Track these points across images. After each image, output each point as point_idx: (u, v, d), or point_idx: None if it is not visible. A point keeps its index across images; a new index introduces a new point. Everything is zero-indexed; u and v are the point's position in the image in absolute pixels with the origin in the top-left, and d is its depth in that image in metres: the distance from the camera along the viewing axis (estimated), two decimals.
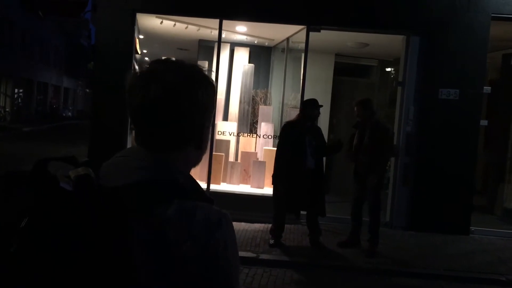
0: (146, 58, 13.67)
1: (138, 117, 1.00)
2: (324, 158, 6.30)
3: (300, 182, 5.68)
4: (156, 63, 1.02)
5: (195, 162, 1.08)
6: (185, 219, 0.91)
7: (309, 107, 5.84)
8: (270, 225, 6.21)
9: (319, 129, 6.04)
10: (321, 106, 5.90)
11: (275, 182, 5.87)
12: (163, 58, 1.05)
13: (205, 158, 7.66)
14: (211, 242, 0.91)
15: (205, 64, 8.76)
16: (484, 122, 7.31)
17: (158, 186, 0.93)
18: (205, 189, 7.29)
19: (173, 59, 1.07)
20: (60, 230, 0.80)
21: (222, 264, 0.92)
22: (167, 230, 0.88)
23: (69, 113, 40.60)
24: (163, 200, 0.90)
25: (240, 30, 8.29)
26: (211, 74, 1.09)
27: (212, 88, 1.05)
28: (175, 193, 0.93)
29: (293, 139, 5.76)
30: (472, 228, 7.08)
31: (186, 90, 0.99)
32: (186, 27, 8.17)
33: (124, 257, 0.82)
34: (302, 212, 6.16)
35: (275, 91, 8.90)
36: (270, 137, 8.17)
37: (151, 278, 0.86)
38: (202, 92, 1.01)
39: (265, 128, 8.22)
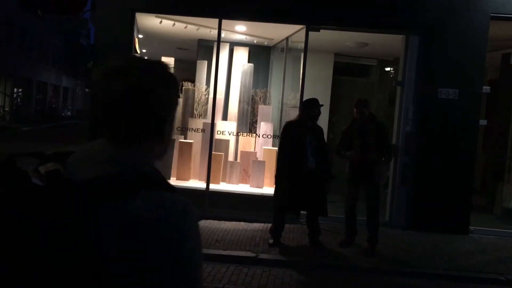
0: (146, 58, 13.67)
1: (101, 111, 1.04)
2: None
3: (301, 182, 5.68)
4: (120, 60, 1.06)
5: (159, 155, 1.12)
6: (153, 209, 0.94)
7: (309, 107, 5.83)
8: (269, 225, 6.22)
9: (320, 129, 6.03)
10: (322, 105, 5.90)
11: (277, 182, 5.87)
12: (127, 55, 1.08)
13: (205, 158, 7.66)
14: (177, 231, 0.95)
15: (204, 64, 8.78)
16: (483, 122, 7.31)
17: (125, 178, 0.96)
18: (204, 189, 7.33)
19: (137, 56, 1.11)
20: (34, 226, 0.85)
21: (186, 253, 0.95)
22: (136, 221, 0.91)
23: (68, 113, 40.56)
24: (130, 191, 0.94)
25: (239, 30, 8.29)
26: (173, 71, 1.13)
27: (174, 84, 1.10)
28: (141, 184, 0.96)
29: (294, 139, 5.76)
30: (471, 227, 7.09)
31: (147, 87, 1.03)
32: (186, 27, 8.17)
33: (96, 249, 0.85)
34: (302, 212, 6.17)
35: (274, 91, 8.90)
36: (269, 136, 8.17)
37: (123, 269, 0.88)
38: (164, 88, 1.06)
39: (265, 127, 8.22)
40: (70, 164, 1.00)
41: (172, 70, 1.12)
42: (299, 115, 5.99)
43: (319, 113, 5.89)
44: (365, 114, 5.88)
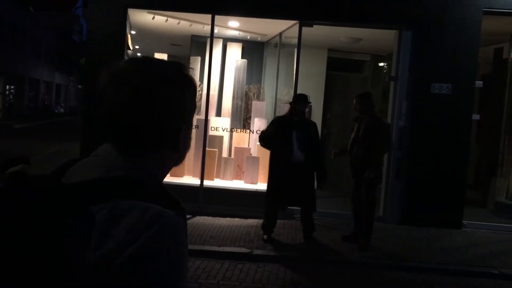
0: (139, 54, 13.60)
1: (108, 117, 0.98)
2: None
3: (286, 176, 5.70)
4: (130, 63, 0.98)
5: (174, 163, 1.05)
6: (111, 221, 0.85)
7: (297, 102, 5.88)
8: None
9: (312, 124, 6.03)
10: (310, 102, 5.95)
11: (268, 176, 5.95)
12: (139, 56, 1.01)
13: (199, 154, 7.64)
14: (134, 245, 0.83)
15: (197, 60, 8.74)
16: (476, 116, 7.33)
17: (102, 185, 0.89)
18: (198, 185, 7.30)
19: (150, 58, 1.02)
20: None
21: (147, 270, 0.83)
22: (92, 231, 0.84)
23: (61, 110, 40.34)
24: (101, 199, 0.87)
25: (232, 26, 8.26)
26: (192, 72, 1.04)
27: (190, 88, 1.01)
28: (120, 192, 0.89)
29: (278, 133, 5.79)
30: (465, 221, 7.12)
31: (156, 96, 0.95)
32: (178, 23, 8.13)
33: (52, 254, 0.80)
34: (294, 208, 6.17)
35: (268, 87, 8.88)
36: None
37: (84, 278, 0.82)
38: (176, 96, 0.98)
39: (259, 123, 8.20)
40: (72, 169, 0.97)
41: (188, 72, 1.02)
42: (289, 110, 6.01)
43: (305, 109, 5.94)
44: (360, 108, 5.85)
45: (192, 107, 1.03)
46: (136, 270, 0.83)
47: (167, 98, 0.96)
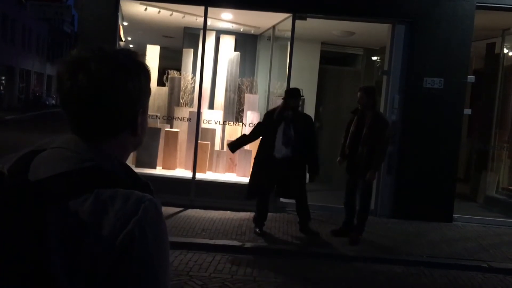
0: (131, 46, 13.50)
1: (67, 105, 0.99)
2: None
3: (269, 170, 5.72)
4: (85, 51, 1.00)
5: (133, 147, 1.08)
6: (99, 210, 0.88)
7: (289, 97, 5.83)
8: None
9: (308, 118, 6.00)
10: (302, 96, 5.92)
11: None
12: (94, 45, 1.01)
13: (191, 147, 7.63)
14: (123, 232, 0.87)
15: (190, 52, 8.70)
16: (467, 111, 7.38)
17: (79, 177, 0.91)
18: (191, 178, 7.29)
19: (103, 45, 1.04)
20: None
21: (137, 256, 0.87)
22: (82, 222, 0.86)
23: (53, 101, 40.04)
24: (81, 191, 0.89)
25: (225, 18, 8.22)
26: (144, 58, 1.06)
27: (144, 74, 1.04)
28: (97, 182, 0.91)
29: (266, 128, 5.80)
30: (455, 215, 7.18)
31: (112, 80, 0.97)
32: (171, 14, 8.07)
33: (35, 252, 0.80)
34: (285, 201, 6.16)
35: (261, 80, 8.86)
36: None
37: (65, 275, 0.83)
38: (132, 80, 1.00)
39: (251, 116, 8.18)
40: (35, 162, 0.96)
41: (142, 58, 1.05)
42: (282, 104, 5.95)
43: (297, 105, 5.87)
44: (364, 102, 5.73)
45: (147, 91, 1.06)
46: (131, 252, 0.87)
47: (122, 82, 0.98)
